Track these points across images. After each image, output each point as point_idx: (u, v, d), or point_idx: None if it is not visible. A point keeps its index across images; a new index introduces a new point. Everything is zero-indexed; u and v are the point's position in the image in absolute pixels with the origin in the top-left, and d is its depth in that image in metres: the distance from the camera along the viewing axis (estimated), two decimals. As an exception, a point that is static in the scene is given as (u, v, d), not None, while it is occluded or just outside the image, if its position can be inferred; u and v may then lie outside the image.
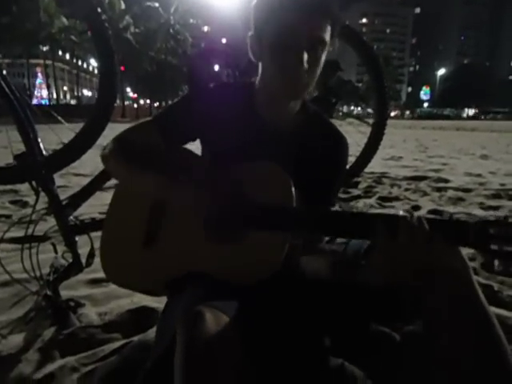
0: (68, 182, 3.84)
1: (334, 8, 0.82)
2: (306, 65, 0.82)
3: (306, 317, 0.92)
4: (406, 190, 3.82)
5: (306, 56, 0.82)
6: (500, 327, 0.73)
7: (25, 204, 3.00)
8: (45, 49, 37.74)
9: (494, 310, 1.32)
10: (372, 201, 3.27)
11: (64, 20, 32.00)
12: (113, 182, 1.46)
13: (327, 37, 0.83)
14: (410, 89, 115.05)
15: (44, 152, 1.40)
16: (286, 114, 0.96)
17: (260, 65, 0.91)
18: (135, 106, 44.14)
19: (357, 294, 0.87)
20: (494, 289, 1.54)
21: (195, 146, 1.02)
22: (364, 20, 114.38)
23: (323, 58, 0.86)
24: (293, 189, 0.82)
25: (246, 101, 0.96)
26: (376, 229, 0.72)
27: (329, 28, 0.83)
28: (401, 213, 0.73)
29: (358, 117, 4.32)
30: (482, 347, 0.71)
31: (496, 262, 1.91)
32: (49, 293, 1.36)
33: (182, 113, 0.98)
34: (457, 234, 0.69)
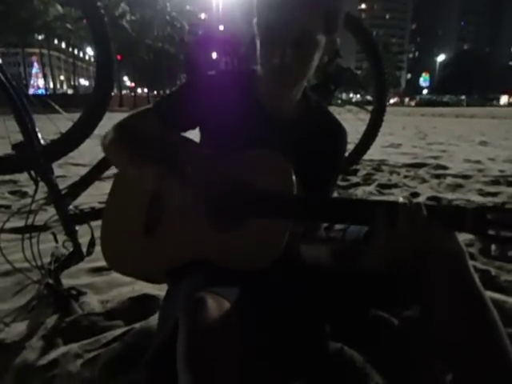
0: (67, 171, 3.83)
1: (336, 7, 0.81)
2: (288, 61, 0.80)
3: (306, 303, 0.93)
4: (405, 177, 3.82)
5: (289, 51, 0.80)
6: (495, 311, 0.75)
7: (24, 194, 3.00)
8: (40, 37, 37.28)
9: (491, 294, 1.34)
10: (371, 188, 3.27)
11: (59, 8, 31.53)
12: (112, 171, 1.46)
13: (318, 31, 0.80)
14: (409, 75, 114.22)
15: (42, 141, 1.40)
16: (287, 102, 0.95)
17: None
18: (132, 95, 43.85)
19: (356, 280, 0.88)
20: (491, 274, 1.55)
21: (194, 135, 1.02)
22: (363, 6, 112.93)
23: (316, 54, 0.83)
24: (293, 176, 0.83)
25: (247, 89, 0.96)
26: (376, 215, 0.73)
27: (321, 22, 0.80)
28: (400, 199, 0.74)
29: (357, 103, 4.30)
30: (477, 330, 0.73)
31: (493, 247, 1.93)
32: (50, 281, 1.38)
33: (182, 100, 0.97)
34: (455, 220, 0.69)
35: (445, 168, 4.28)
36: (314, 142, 0.97)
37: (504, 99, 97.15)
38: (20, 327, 1.22)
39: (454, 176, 3.81)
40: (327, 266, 0.91)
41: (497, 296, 1.36)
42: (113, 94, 1.63)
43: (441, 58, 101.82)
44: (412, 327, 1.14)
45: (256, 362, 0.86)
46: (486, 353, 0.71)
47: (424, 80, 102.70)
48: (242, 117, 0.93)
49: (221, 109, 0.94)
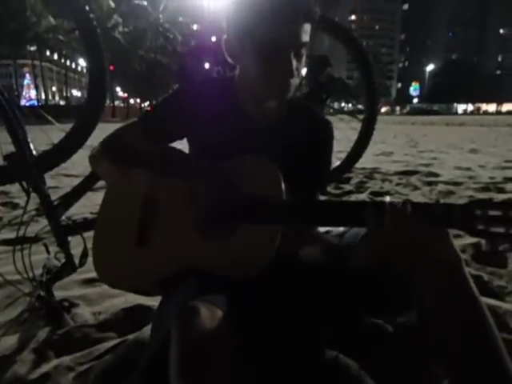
0: (59, 182, 3.81)
1: (315, 10, 0.83)
2: (294, 69, 0.84)
3: (301, 309, 0.93)
4: (397, 184, 3.85)
5: (294, 62, 0.84)
6: (491, 317, 0.75)
7: (15, 206, 2.97)
8: (32, 49, 37.25)
9: (484, 299, 1.34)
10: (364, 196, 3.29)
11: (51, 19, 31.60)
12: (104, 182, 1.45)
13: (308, 37, 0.85)
14: (399, 85, 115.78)
15: (34, 152, 1.40)
16: (271, 108, 0.96)
17: (239, 66, 0.92)
18: (125, 105, 43.81)
19: (350, 286, 0.89)
20: (484, 279, 1.56)
21: (182, 146, 1.02)
22: (353, 17, 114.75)
23: (304, 56, 0.87)
24: (282, 182, 0.83)
25: (229, 96, 0.96)
26: (364, 215, 0.74)
27: (309, 28, 0.84)
28: (387, 199, 0.75)
29: (348, 112, 4.35)
30: (474, 336, 0.73)
31: (483, 242, 1.96)
32: (42, 293, 1.36)
33: (169, 111, 0.98)
34: (444, 216, 0.70)
35: (436, 175, 4.33)
36: (300, 143, 0.98)
37: (462, 108, 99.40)
38: (11, 340, 1.20)
39: (446, 183, 3.85)
40: (320, 265, 0.91)
41: (490, 301, 1.37)
42: (105, 104, 1.64)
43: (430, 67, 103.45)
44: (406, 333, 1.14)
45: (249, 370, 0.86)
46: (483, 359, 0.72)
47: (414, 89, 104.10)
48: (226, 124, 0.94)
49: (204, 117, 0.94)
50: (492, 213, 0.67)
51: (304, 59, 0.87)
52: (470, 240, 2.01)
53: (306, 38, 0.83)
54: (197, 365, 0.62)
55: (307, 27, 0.83)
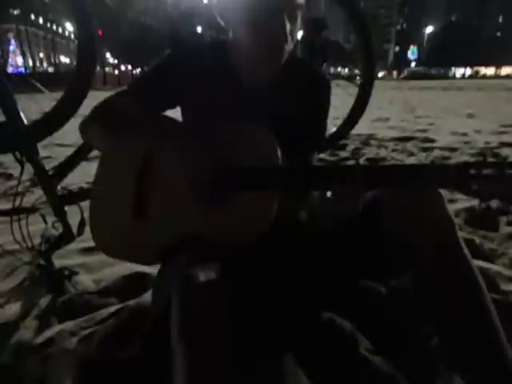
0: (52, 152, 3.76)
1: None
2: (288, 34, 0.82)
3: (296, 272, 0.95)
4: (393, 150, 3.85)
5: (288, 26, 0.81)
6: (482, 278, 0.78)
7: (9, 176, 2.95)
8: (16, 12, 35.69)
9: (475, 262, 1.38)
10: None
11: (34, -19, 30.13)
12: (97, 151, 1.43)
13: None
14: (397, 48, 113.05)
15: (25, 121, 1.37)
16: (263, 71, 0.94)
17: (232, 30, 0.89)
18: (116, 72, 42.66)
19: (345, 249, 0.90)
20: (476, 242, 1.60)
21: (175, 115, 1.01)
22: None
23: (299, 18, 0.85)
24: (279, 151, 0.83)
25: (221, 60, 0.94)
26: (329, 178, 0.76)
27: None
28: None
29: (345, 77, 4.27)
30: (464, 296, 0.76)
31: (477, 204, 2.01)
32: (42, 262, 1.38)
33: (159, 78, 0.95)
34: (439, 176, 0.71)
35: (432, 141, 4.32)
36: (295, 102, 0.97)
37: (460, 72, 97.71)
38: (14, 307, 1.23)
39: (441, 149, 3.85)
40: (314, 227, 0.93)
41: (481, 264, 1.41)
42: (96, 71, 1.59)
43: (429, 29, 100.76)
44: (399, 295, 1.18)
45: (247, 333, 0.89)
46: (472, 317, 0.75)
47: (412, 53, 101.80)
48: (220, 90, 0.92)
49: (199, 83, 0.92)
50: (486, 172, 0.68)
51: (299, 22, 0.85)
52: (463, 204, 2.04)
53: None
54: (197, 329, 0.64)
55: None
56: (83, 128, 0.95)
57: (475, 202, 2.04)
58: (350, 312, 1.10)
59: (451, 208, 1.96)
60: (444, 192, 0.81)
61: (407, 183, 0.74)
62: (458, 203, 2.08)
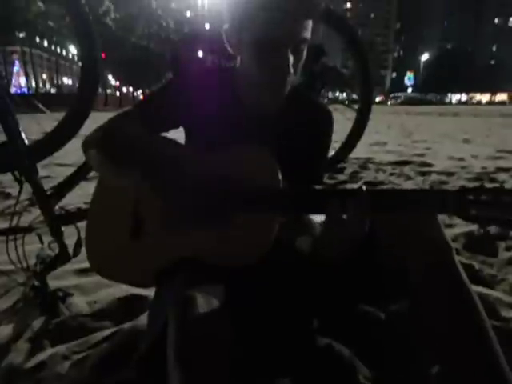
0: (52, 172, 3.77)
1: (319, 7, 0.82)
2: (291, 66, 0.83)
3: (294, 297, 0.94)
4: (391, 174, 3.87)
5: (291, 58, 0.82)
6: (481, 304, 0.77)
7: (7, 195, 2.95)
8: (21, 35, 36.45)
9: (475, 288, 1.37)
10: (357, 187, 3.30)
11: (41, 5, 30.90)
12: (98, 170, 1.44)
13: (309, 34, 0.83)
14: (394, 74, 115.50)
15: (26, 141, 1.38)
16: (268, 99, 0.96)
17: (239, 57, 0.91)
18: (118, 94, 43.28)
19: (343, 273, 0.90)
20: (475, 268, 1.59)
21: (178, 135, 1.02)
22: (348, 5, 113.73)
23: (305, 51, 0.86)
24: (279, 171, 0.83)
25: (227, 86, 0.96)
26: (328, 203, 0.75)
27: (311, 24, 0.83)
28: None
29: (343, 102, 4.34)
30: (463, 323, 0.75)
31: (475, 229, 2.01)
32: (36, 283, 1.36)
33: (166, 100, 0.96)
34: (438, 202, 0.71)
35: (429, 165, 4.36)
36: (299, 132, 0.98)
37: (456, 98, 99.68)
38: (6, 330, 1.20)
39: (439, 173, 3.88)
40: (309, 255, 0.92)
41: (480, 289, 1.40)
42: (98, 93, 1.61)
43: (425, 56, 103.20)
44: (399, 321, 1.16)
45: (245, 358, 0.87)
46: (472, 345, 0.73)
47: (409, 79, 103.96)
48: (224, 115, 0.93)
49: (202, 107, 0.93)
50: (484, 198, 0.68)
51: (303, 54, 0.86)
52: (461, 229, 2.04)
53: (306, 34, 0.82)
54: (194, 353, 0.63)
55: (309, 23, 0.82)
56: (85, 149, 0.95)
57: (474, 227, 2.04)
58: (348, 338, 1.08)
59: (450, 233, 1.96)
60: (442, 217, 0.81)
61: (406, 207, 0.74)
62: (457, 228, 2.07)
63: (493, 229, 2.00)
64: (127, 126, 0.94)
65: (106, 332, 1.16)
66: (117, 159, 0.87)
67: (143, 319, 1.20)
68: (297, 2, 0.78)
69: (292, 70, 0.84)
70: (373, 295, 0.97)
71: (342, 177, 3.72)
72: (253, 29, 0.81)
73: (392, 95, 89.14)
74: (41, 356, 1.06)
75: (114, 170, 0.89)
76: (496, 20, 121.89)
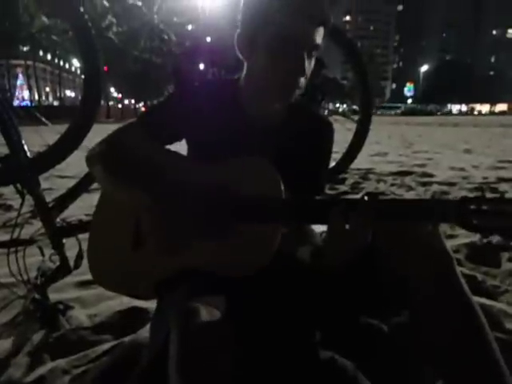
0: (53, 184, 3.79)
1: (330, 15, 0.84)
2: (306, 68, 0.84)
3: (297, 309, 0.93)
4: (392, 185, 3.87)
5: (307, 63, 0.84)
6: (483, 315, 0.76)
7: (9, 207, 2.95)
8: (25, 49, 36.95)
9: (478, 299, 1.36)
10: (359, 197, 3.30)
11: (45, 19, 31.39)
12: (100, 182, 1.44)
13: (321, 41, 0.85)
14: (394, 85, 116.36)
15: (28, 154, 1.39)
16: (273, 110, 0.96)
17: (247, 63, 0.92)
18: (120, 106, 43.65)
19: (345, 286, 0.89)
20: (477, 279, 1.58)
21: (180, 147, 1.02)
22: (348, 17, 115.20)
23: (313, 61, 0.88)
24: (281, 183, 0.83)
25: (231, 98, 0.96)
26: (330, 212, 0.74)
27: (323, 33, 0.85)
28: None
29: (343, 113, 4.36)
30: (465, 335, 0.74)
31: (478, 239, 2.01)
32: (37, 296, 1.35)
33: (168, 112, 0.97)
34: (439, 211, 0.71)
35: (430, 176, 4.36)
36: (301, 144, 0.98)
37: (456, 108, 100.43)
38: (5, 344, 1.19)
39: (440, 183, 3.88)
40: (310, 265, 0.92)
41: (484, 301, 1.38)
42: (100, 105, 1.63)
43: (424, 68, 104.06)
44: (402, 333, 1.15)
45: (247, 371, 0.86)
46: (474, 358, 0.72)
47: (408, 90, 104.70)
48: (228, 126, 0.93)
49: (206, 119, 0.94)
50: (485, 208, 0.68)
51: (313, 62, 0.87)
52: (463, 240, 2.03)
53: (319, 40, 0.84)
54: (196, 365, 0.62)
55: (322, 31, 0.84)
56: (89, 164, 0.96)
57: (476, 238, 2.03)
58: (351, 351, 1.07)
59: (452, 244, 1.95)
60: (444, 227, 0.81)
61: (407, 217, 0.74)
62: (459, 239, 2.06)
63: (495, 239, 1.99)
64: (129, 139, 0.95)
65: (107, 345, 1.15)
66: (119, 173, 0.88)
67: (144, 332, 1.19)
68: (313, 6, 0.81)
69: (306, 73, 0.85)
70: (374, 306, 0.96)
71: (343, 187, 3.72)
72: (270, 31, 0.82)
73: (383, 105, 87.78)
74: (40, 370, 1.05)
75: (116, 185, 0.89)
76: (494, 32, 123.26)
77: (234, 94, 0.97)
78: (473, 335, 0.73)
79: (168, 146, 0.99)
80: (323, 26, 0.84)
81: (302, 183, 0.92)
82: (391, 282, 0.83)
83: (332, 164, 2.78)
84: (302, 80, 0.86)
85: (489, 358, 0.72)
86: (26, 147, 1.38)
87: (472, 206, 0.69)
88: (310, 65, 0.86)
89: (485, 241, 1.99)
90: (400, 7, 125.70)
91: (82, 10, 1.44)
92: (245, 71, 0.94)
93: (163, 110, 0.98)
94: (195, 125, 0.95)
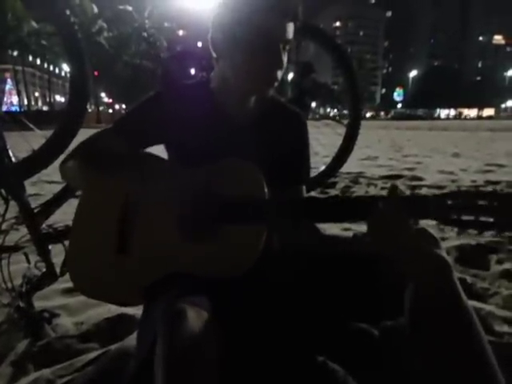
0: (40, 189, 3.73)
1: (301, 11, 0.87)
2: (284, 60, 0.87)
3: (287, 311, 0.92)
4: (382, 188, 3.90)
5: (284, 57, 0.87)
6: (479, 322, 0.76)
7: (-6, 213, 2.90)
8: (14, 53, 36.61)
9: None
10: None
11: (33, 23, 31.16)
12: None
13: (292, 37, 0.88)
14: (383, 90, 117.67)
15: (13, 159, 1.36)
16: (248, 107, 0.97)
17: (221, 63, 0.92)
18: (110, 111, 43.45)
19: (338, 291, 0.88)
20: (467, 282, 1.59)
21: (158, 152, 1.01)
22: (337, 23, 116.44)
23: (287, 54, 0.90)
24: (264, 183, 0.83)
25: (206, 99, 0.96)
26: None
27: (293, 29, 0.88)
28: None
29: (333, 118, 4.39)
30: (461, 342, 0.73)
31: (456, 230, 2.00)
32: (21, 304, 1.32)
33: (144, 116, 0.96)
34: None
35: (420, 179, 4.40)
36: (278, 138, 0.99)
37: (444, 113, 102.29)
38: (-12, 354, 1.16)
39: (429, 187, 3.91)
40: (318, 253, 0.93)
41: (473, 303, 1.39)
42: (90, 110, 1.61)
43: (413, 73, 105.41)
44: (393, 338, 1.14)
45: (237, 373, 0.84)
46: (470, 364, 0.72)
47: (398, 94, 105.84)
48: (205, 127, 0.93)
49: (183, 121, 0.93)
50: (463, 203, 0.69)
51: (287, 57, 0.89)
52: (453, 243, 2.04)
53: (291, 35, 0.87)
54: (184, 368, 0.61)
55: (293, 26, 0.87)
56: (63, 167, 0.94)
57: (465, 241, 2.05)
58: (342, 356, 1.06)
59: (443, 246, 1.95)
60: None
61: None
62: (448, 241, 2.08)
63: (484, 240, 2.00)
64: (108, 142, 0.94)
65: (93, 354, 1.13)
66: (102, 166, 0.89)
67: (132, 340, 1.17)
68: (287, 2, 0.84)
69: (283, 66, 0.88)
70: (369, 312, 0.95)
71: (333, 191, 3.73)
72: (251, 29, 0.84)
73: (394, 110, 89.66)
74: (24, 381, 1.02)
75: (100, 175, 0.90)
76: (481, 38, 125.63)
77: (209, 95, 0.97)
78: (468, 342, 0.73)
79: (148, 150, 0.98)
80: (293, 22, 0.87)
81: (284, 176, 0.94)
82: (387, 286, 0.83)
83: (322, 168, 2.78)
84: (280, 73, 0.89)
85: (483, 363, 0.72)
86: (10, 152, 1.35)
87: (449, 201, 0.70)
88: (285, 58, 0.89)
89: (475, 243, 2.00)
90: (389, 13, 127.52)
91: (68, 12, 1.42)
92: (217, 71, 0.95)
93: (141, 114, 0.97)
94: (174, 127, 0.94)
